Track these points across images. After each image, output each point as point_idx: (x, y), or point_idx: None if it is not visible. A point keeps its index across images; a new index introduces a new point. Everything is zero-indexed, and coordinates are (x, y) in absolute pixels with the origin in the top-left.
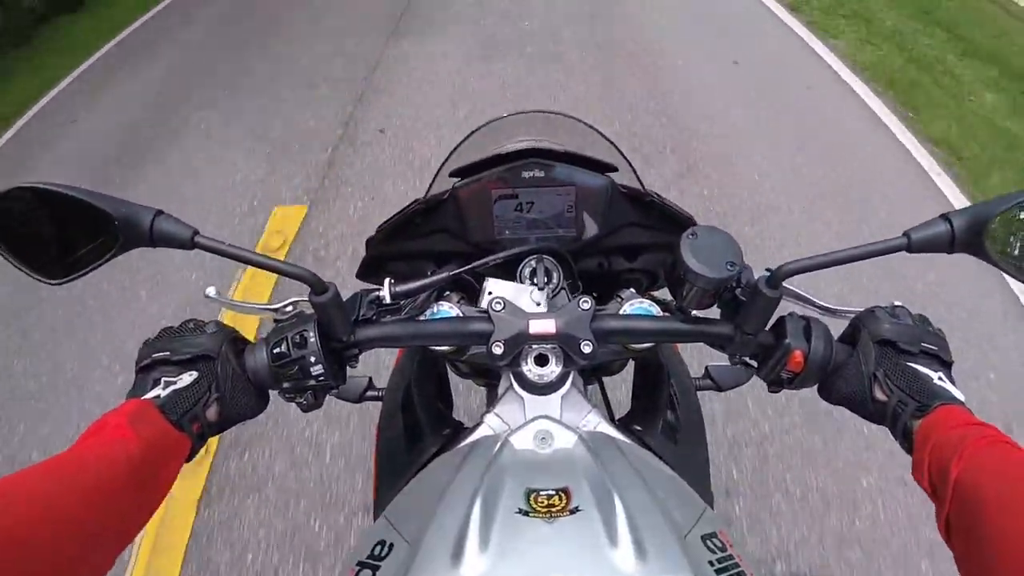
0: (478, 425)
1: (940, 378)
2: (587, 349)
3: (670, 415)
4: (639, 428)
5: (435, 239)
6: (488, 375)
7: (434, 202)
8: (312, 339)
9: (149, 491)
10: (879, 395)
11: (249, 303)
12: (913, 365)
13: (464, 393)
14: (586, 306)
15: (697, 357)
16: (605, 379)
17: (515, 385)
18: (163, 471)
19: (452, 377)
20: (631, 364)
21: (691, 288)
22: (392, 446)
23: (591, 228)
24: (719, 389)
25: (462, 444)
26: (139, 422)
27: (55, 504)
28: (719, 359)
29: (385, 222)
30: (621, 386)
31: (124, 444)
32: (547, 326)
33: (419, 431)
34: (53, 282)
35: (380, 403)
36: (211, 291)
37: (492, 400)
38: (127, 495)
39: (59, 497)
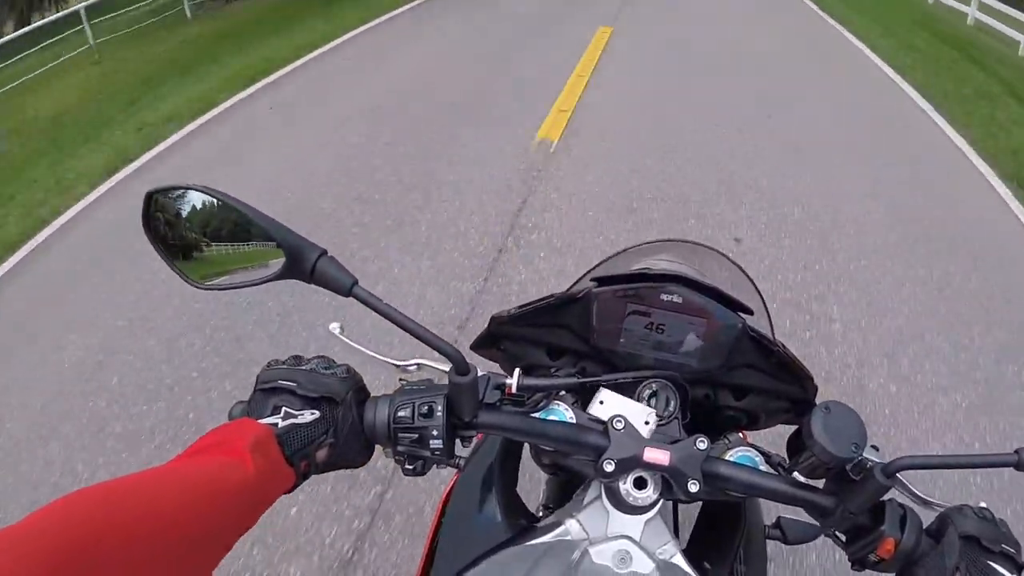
0: (556, 526)
1: None
2: (694, 489)
3: (739, 562)
4: (708, 567)
5: (556, 333)
6: (566, 472)
7: (571, 299)
8: (439, 413)
9: (248, 515)
10: None
11: (373, 352)
12: (992, 564)
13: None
14: (702, 447)
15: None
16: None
17: (604, 498)
18: (265, 500)
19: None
20: None
21: (810, 457)
22: (461, 520)
23: (712, 361)
24: (786, 542)
25: (538, 540)
26: (258, 450)
27: (165, 509)
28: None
29: (519, 307)
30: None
31: (241, 468)
32: (661, 457)
33: (493, 514)
34: (197, 286)
35: (454, 471)
36: (335, 328)
37: (556, 489)
38: (230, 515)
39: (171, 502)
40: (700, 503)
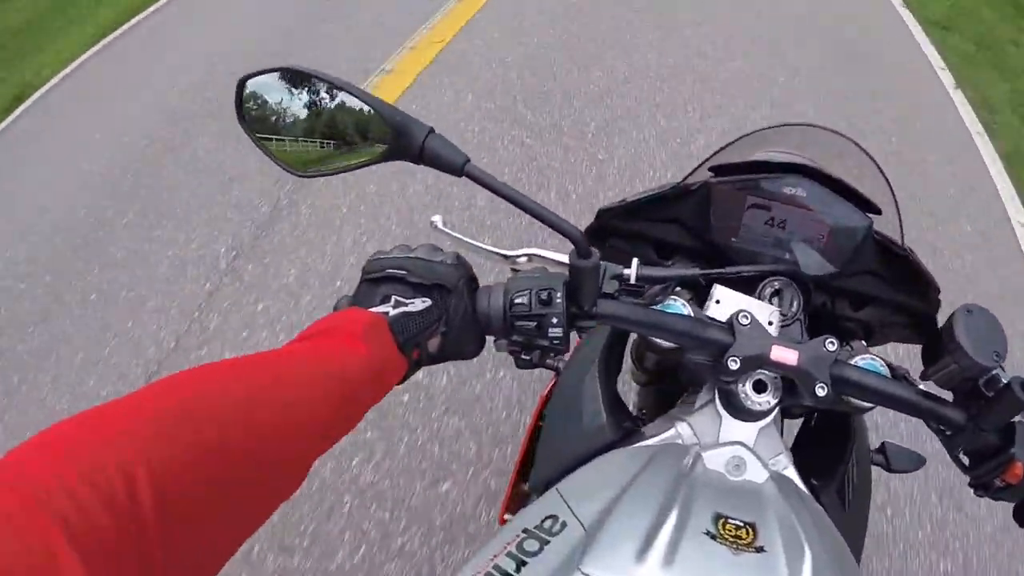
0: (667, 429)
1: None
2: (821, 392)
3: (846, 480)
4: (815, 483)
5: (665, 228)
6: (664, 378)
7: (685, 190)
8: (559, 300)
9: (360, 405)
10: None
11: (480, 243)
12: None
13: None
14: (832, 348)
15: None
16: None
17: (718, 402)
18: (377, 389)
19: None
20: None
21: (947, 364)
22: (562, 421)
23: (834, 264)
24: (889, 469)
25: (648, 442)
26: (371, 337)
27: (284, 386)
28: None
29: (628, 198)
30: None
31: (356, 354)
32: (789, 356)
33: (598, 415)
34: (297, 174)
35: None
36: (437, 220)
37: (649, 400)
38: (342, 405)
39: (290, 381)
40: (800, 419)
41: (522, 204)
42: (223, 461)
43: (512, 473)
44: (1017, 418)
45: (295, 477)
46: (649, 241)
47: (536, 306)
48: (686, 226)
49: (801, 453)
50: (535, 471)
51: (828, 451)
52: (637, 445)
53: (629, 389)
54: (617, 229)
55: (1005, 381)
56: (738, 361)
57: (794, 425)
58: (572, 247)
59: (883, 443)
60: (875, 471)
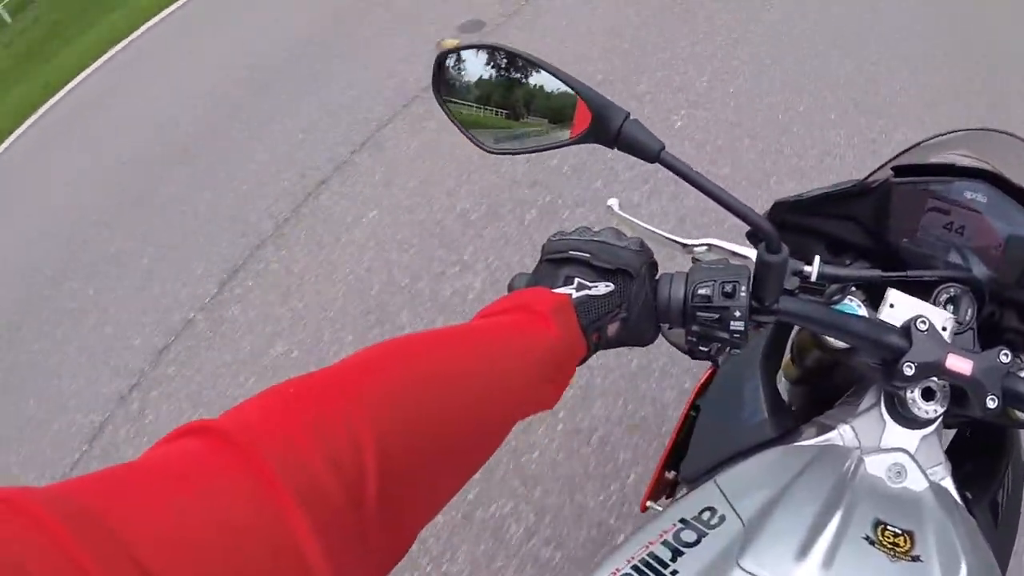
0: (826, 429)
1: None
2: (992, 404)
3: (1003, 495)
4: (969, 496)
5: (841, 225)
6: (821, 378)
7: (866, 188)
8: (743, 294)
9: (553, 383)
10: None
11: (658, 229)
12: None
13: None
14: (1006, 360)
15: None
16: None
17: (883, 406)
18: (566, 367)
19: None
20: None
21: None
22: (721, 413)
23: (1009, 275)
24: None
25: (809, 442)
26: (559, 316)
27: (476, 360)
28: None
29: (806, 193)
30: None
31: (546, 332)
32: (964, 366)
33: (759, 409)
34: (489, 150)
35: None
36: (614, 203)
37: (800, 400)
38: (537, 383)
39: (481, 355)
40: (954, 430)
41: (716, 195)
42: (440, 429)
43: (660, 460)
44: None
45: (493, 443)
46: (821, 238)
47: (719, 298)
48: (862, 225)
49: (954, 464)
50: (688, 460)
51: (983, 465)
52: (798, 444)
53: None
54: (791, 223)
55: None
56: (913, 367)
57: (948, 434)
58: (756, 240)
59: None
60: None
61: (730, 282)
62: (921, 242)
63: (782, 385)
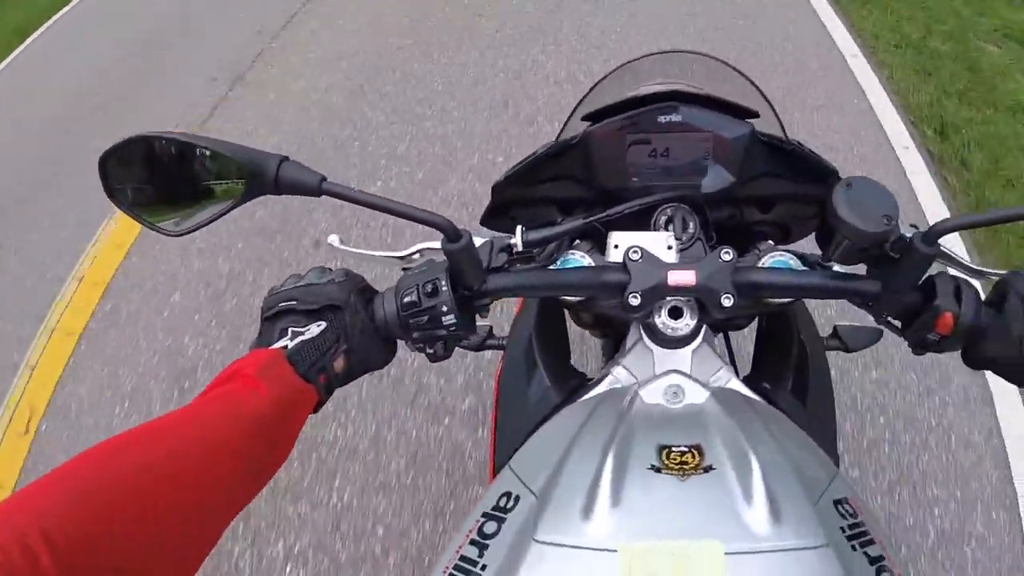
0: (604, 377)
1: None
2: (727, 303)
3: (799, 374)
4: (767, 386)
5: (561, 186)
6: (610, 327)
7: (564, 146)
8: (444, 288)
9: (277, 444)
10: None
11: (374, 252)
12: None
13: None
14: (727, 257)
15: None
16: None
17: (645, 338)
18: (291, 424)
19: (570, 328)
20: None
21: (841, 242)
22: (514, 397)
23: (727, 177)
24: (847, 350)
25: (588, 396)
26: (268, 374)
27: (179, 457)
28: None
29: (513, 167)
30: (741, 341)
31: (255, 396)
32: (687, 277)
33: (542, 382)
34: (174, 234)
35: (500, 352)
36: (334, 239)
37: (611, 352)
38: (256, 448)
39: (184, 451)
40: (756, 332)
41: (385, 207)
42: (146, 514)
43: (490, 462)
44: (933, 271)
45: (224, 519)
46: (552, 203)
47: (424, 299)
48: (577, 179)
49: (758, 362)
50: (498, 453)
51: (778, 353)
52: (580, 400)
53: (594, 344)
54: (514, 198)
55: (908, 238)
56: (638, 296)
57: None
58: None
59: (834, 327)
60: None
61: (429, 281)
62: (635, 178)
63: (597, 344)
